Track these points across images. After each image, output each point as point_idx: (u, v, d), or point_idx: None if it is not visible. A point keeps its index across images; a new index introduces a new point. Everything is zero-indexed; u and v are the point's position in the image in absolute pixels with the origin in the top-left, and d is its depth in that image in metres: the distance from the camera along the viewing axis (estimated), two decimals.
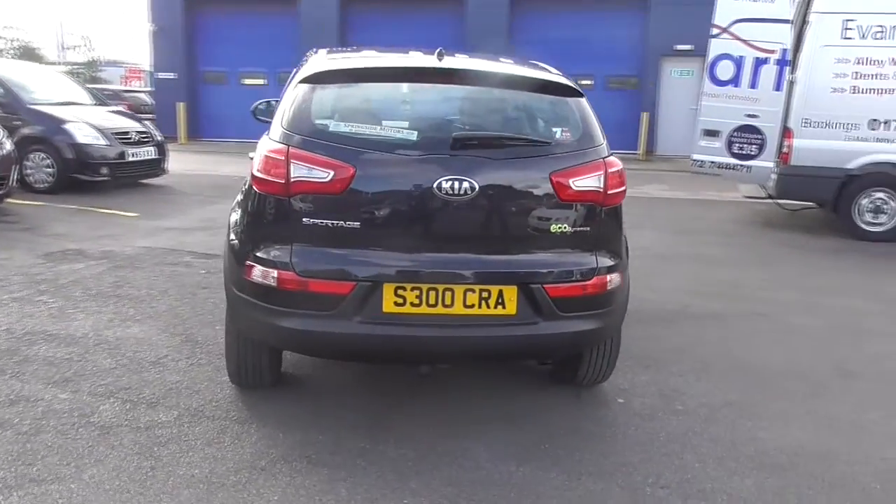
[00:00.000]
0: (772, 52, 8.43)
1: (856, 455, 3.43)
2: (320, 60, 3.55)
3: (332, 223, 3.11)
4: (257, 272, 3.20)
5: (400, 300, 3.11)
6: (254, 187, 3.25)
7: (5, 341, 4.37)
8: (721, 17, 8.55)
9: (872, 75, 8.17)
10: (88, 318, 4.82)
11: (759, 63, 8.47)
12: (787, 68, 8.41)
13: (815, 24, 8.29)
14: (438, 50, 3.52)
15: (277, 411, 3.59)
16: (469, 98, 3.48)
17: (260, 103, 5.41)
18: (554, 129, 3.39)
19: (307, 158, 3.11)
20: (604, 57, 19.08)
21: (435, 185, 3.07)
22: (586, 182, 3.24)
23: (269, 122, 5.24)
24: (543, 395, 3.93)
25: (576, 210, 3.25)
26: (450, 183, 3.06)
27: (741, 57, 8.51)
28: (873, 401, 4.05)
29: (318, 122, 3.28)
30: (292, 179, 3.10)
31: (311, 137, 3.18)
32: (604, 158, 3.31)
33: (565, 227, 3.24)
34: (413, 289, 3.11)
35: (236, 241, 3.39)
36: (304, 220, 3.13)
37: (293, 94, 3.32)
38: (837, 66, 8.21)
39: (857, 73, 8.20)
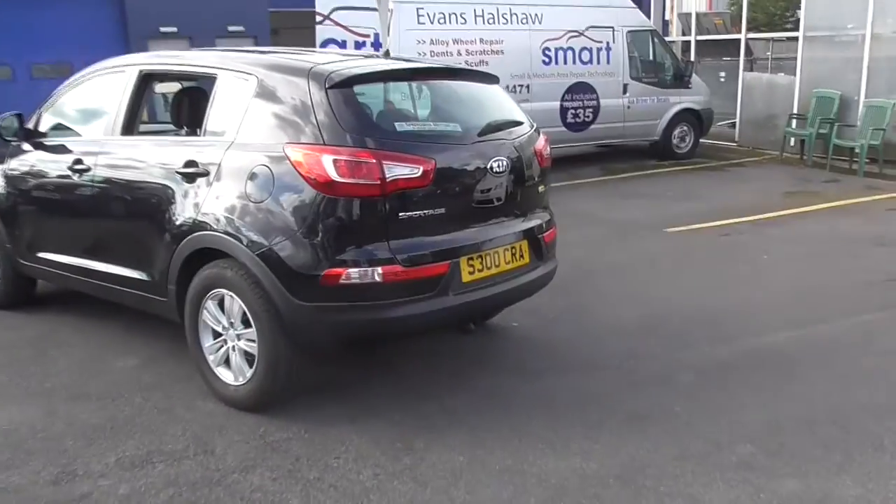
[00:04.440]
0: (367, 35, 9.79)
1: (698, 303, 5.16)
2: (326, 62, 3.58)
3: (423, 213, 3.42)
4: (351, 274, 3.30)
5: (471, 269, 3.61)
6: (322, 193, 3.29)
7: None
8: (321, 6, 9.54)
9: (442, 52, 10.20)
10: None
11: (359, 45, 9.75)
12: (381, 49, 9.87)
13: (396, 11, 9.90)
14: (385, 51, 3.93)
15: (332, 418, 3.62)
16: (464, 92, 3.98)
17: (4, 119, 4.71)
18: (514, 112, 4.14)
19: (398, 158, 3.33)
20: (82, 42, 17.99)
21: (489, 165, 3.63)
22: (546, 150, 4.14)
23: (15, 141, 4.63)
24: (471, 339, 4.68)
25: (544, 174, 4.12)
26: (497, 163, 3.65)
27: (344, 41, 9.66)
28: (653, 278, 5.89)
29: (381, 123, 3.45)
30: (388, 179, 3.29)
31: (387, 138, 3.39)
32: (539, 132, 4.23)
33: (542, 188, 4.11)
34: (477, 257, 3.64)
35: (298, 253, 3.35)
36: (399, 215, 3.35)
37: (325, 98, 3.38)
38: (418, 46, 10.00)
39: (432, 51, 10.13)
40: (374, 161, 3.29)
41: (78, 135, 4.72)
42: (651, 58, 12.24)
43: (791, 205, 8.75)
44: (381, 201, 3.32)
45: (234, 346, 3.69)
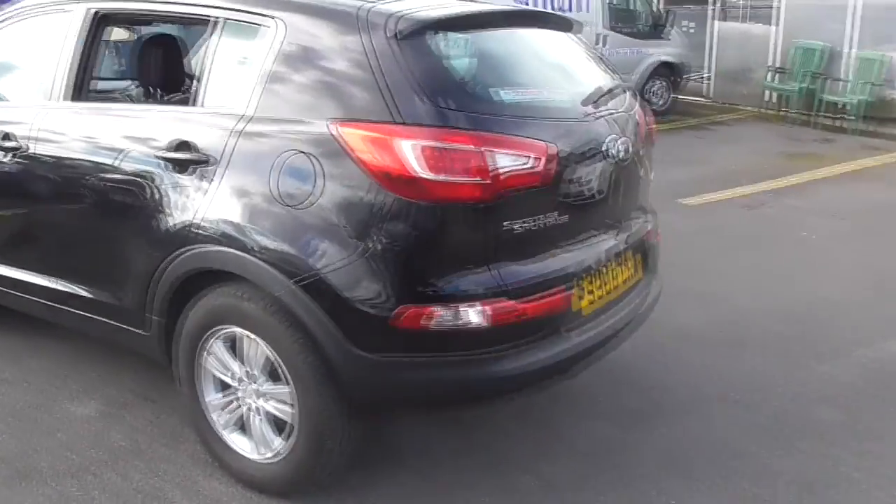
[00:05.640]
0: None
1: (770, 301, 4.33)
2: (381, 3, 2.46)
3: (536, 222, 2.39)
4: (440, 314, 2.27)
5: (590, 295, 2.63)
6: (397, 196, 2.23)
7: None
8: None
9: None
10: None
11: None
12: None
13: None
14: None
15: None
16: (552, 45, 2.90)
17: None
18: (611, 71, 3.12)
19: (507, 142, 2.28)
20: None
21: (607, 149, 2.62)
22: (653, 122, 3.15)
23: None
24: None
25: (650, 156, 3.14)
26: (617, 145, 2.65)
27: None
28: (698, 267, 4.98)
29: (476, 90, 2.38)
30: (496, 174, 2.24)
31: (487, 113, 2.32)
32: (636, 96, 3.22)
33: (650, 175, 3.14)
34: (594, 277, 2.65)
35: (360, 283, 2.28)
36: (505, 226, 2.32)
37: (393, 53, 2.29)
38: None
39: None
40: (477, 148, 2.23)
41: (3, 99, 3.43)
42: (628, 5, 11.32)
43: (798, 168, 8.09)
44: (484, 207, 2.28)
45: (254, 407, 2.63)
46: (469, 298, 2.29)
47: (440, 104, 2.26)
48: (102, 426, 3.10)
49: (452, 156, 2.22)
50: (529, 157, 2.33)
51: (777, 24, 11.59)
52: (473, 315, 2.29)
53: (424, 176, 2.21)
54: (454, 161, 2.22)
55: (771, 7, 11.98)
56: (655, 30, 11.33)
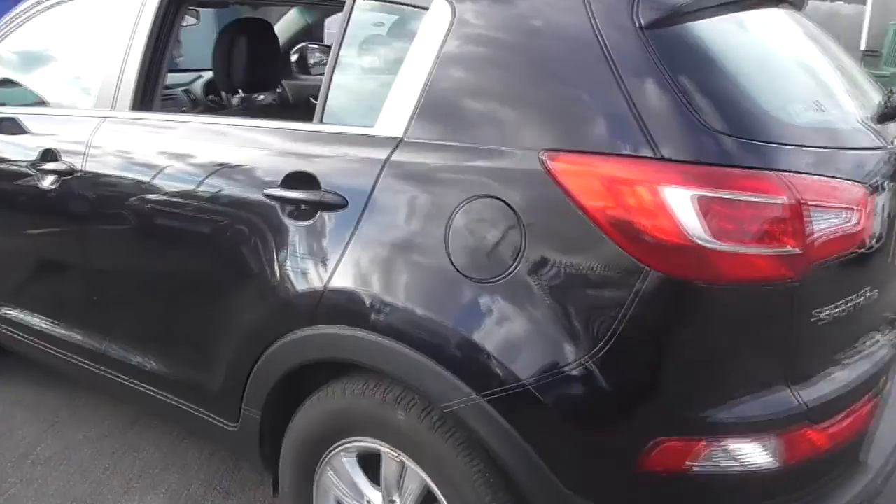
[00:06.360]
0: None
1: None
2: None
3: (849, 304, 1.59)
4: (714, 452, 1.48)
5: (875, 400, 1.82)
6: (654, 271, 1.42)
7: None
8: None
9: None
10: None
11: None
12: None
13: None
14: None
15: None
16: (808, 37, 2.07)
17: None
18: (863, 71, 2.30)
19: (827, 190, 1.48)
20: None
21: None
22: None
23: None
24: None
25: None
26: None
27: None
28: None
29: (766, 106, 1.56)
30: (815, 237, 1.44)
31: (788, 143, 1.51)
32: None
33: None
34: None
35: (588, 402, 1.50)
36: (812, 315, 1.52)
37: (645, 50, 1.49)
38: None
39: None
40: (788, 200, 1.43)
41: (46, 103, 2.67)
42: None
43: None
44: (790, 290, 1.47)
45: None
46: (756, 428, 1.49)
47: (719, 129, 1.45)
48: None
49: (749, 212, 1.41)
50: (852, 208, 1.52)
51: (869, 3, 10.60)
52: (761, 453, 1.49)
53: (704, 243, 1.40)
54: (752, 220, 1.41)
55: None
56: None
